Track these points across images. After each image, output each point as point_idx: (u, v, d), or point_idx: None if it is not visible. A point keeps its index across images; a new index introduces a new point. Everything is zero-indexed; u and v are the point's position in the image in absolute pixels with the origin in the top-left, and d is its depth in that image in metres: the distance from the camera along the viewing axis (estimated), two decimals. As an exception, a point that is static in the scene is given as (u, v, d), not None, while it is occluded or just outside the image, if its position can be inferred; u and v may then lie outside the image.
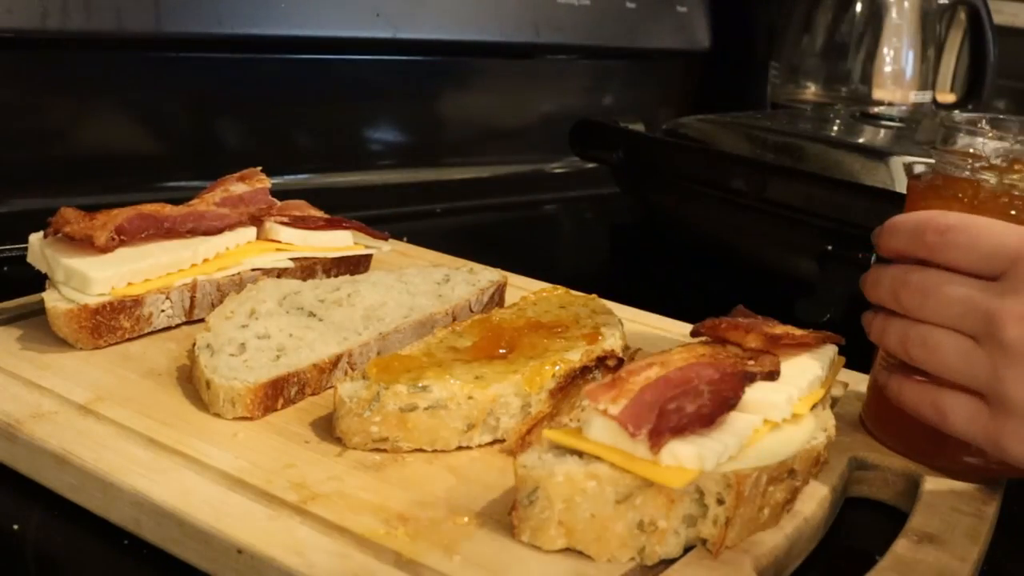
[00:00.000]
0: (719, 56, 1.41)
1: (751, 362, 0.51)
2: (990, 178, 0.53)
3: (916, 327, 0.50)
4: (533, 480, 0.44)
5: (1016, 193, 0.52)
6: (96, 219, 0.64)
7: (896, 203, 0.59)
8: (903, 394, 0.53)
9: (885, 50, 1.33)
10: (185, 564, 0.45)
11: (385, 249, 0.78)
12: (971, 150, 0.54)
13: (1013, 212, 0.52)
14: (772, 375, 0.50)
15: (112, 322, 0.61)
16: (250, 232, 0.72)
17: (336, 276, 0.75)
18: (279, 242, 0.73)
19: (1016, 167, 0.52)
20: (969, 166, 0.53)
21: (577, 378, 0.56)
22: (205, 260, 0.68)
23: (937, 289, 0.49)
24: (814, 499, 0.50)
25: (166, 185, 0.97)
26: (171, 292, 0.65)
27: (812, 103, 1.35)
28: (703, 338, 0.56)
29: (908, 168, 0.83)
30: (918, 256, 0.50)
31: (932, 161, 0.56)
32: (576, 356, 0.57)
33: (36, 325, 0.63)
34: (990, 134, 0.54)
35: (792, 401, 0.50)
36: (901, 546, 0.47)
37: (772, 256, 0.94)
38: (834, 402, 0.61)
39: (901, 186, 0.82)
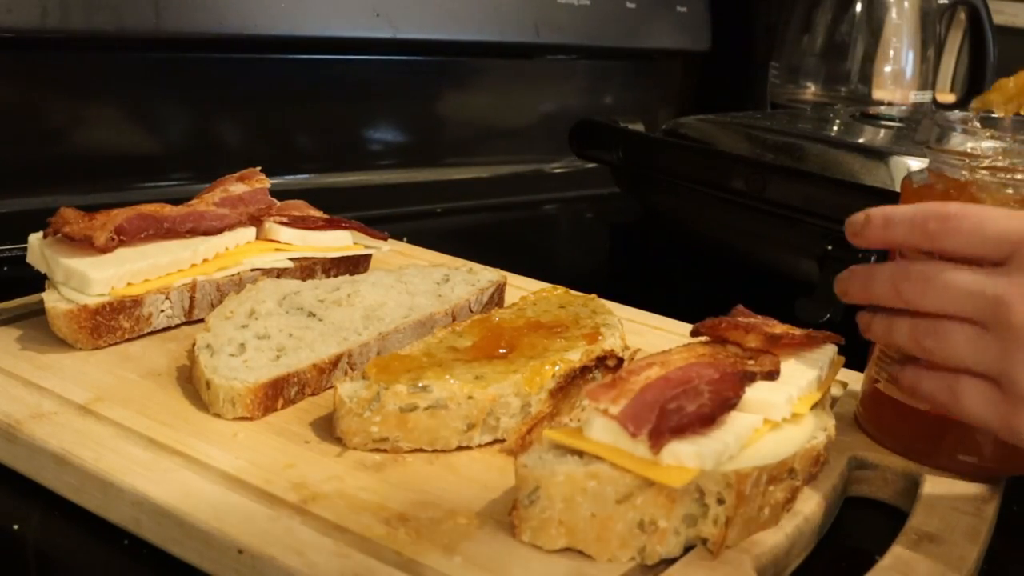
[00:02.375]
0: (719, 56, 1.41)
1: (751, 362, 0.51)
2: (986, 177, 0.52)
3: (924, 319, 0.50)
4: (534, 480, 0.44)
5: (1010, 192, 0.52)
6: (96, 219, 0.64)
7: (896, 203, 0.59)
8: (919, 384, 0.51)
9: (885, 50, 1.33)
10: (185, 564, 0.45)
11: (384, 249, 0.78)
12: (967, 149, 0.54)
13: None
14: (772, 375, 0.50)
15: (112, 322, 0.61)
16: (249, 232, 0.72)
17: (336, 276, 0.75)
18: (279, 242, 0.73)
19: (1011, 166, 0.52)
20: (965, 165, 0.53)
21: (577, 378, 0.56)
22: (205, 260, 0.68)
23: (940, 277, 0.48)
24: (814, 499, 0.50)
25: (166, 185, 0.97)
26: (171, 292, 0.65)
27: (812, 103, 1.35)
28: (703, 338, 0.56)
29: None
30: (919, 246, 0.50)
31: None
32: (576, 356, 0.57)
33: (36, 325, 0.63)
34: (988, 134, 0.54)
35: (792, 401, 0.50)
36: (901, 546, 0.47)
37: (772, 256, 0.94)
38: (834, 402, 0.61)
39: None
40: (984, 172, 0.53)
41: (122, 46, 0.91)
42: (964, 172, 0.53)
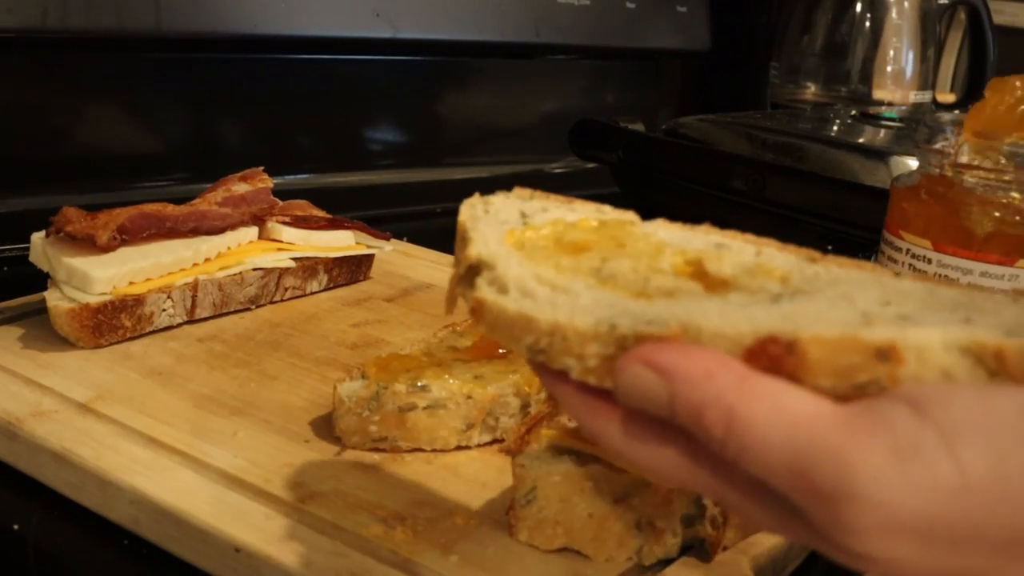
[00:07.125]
0: (719, 56, 1.41)
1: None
2: (969, 178, 0.53)
3: None
4: (531, 479, 0.44)
5: (1000, 194, 0.52)
6: (98, 218, 0.64)
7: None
8: None
9: (885, 50, 1.33)
10: (184, 563, 0.45)
11: (387, 249, 0.78)
12: (953, 149, 0.54)
13: (997, 214, 0.52)
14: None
15: (113, 321, 0.62)
16: (252, 232, 0.72)
17: (337, 276, 0.75)
18: (281, 242, 0.73)
19: (999, 167, 0.52)
20: (951, 166, 0.53)
21: (576, 378, 0.56)
22: (207, 260, 0.68)
23: None
24: (811, 499, 0.50)
25: (168, 185, 0.97)
26: (173, 291, 0.65)
27: (812, 103, 1.35)
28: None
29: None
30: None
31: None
32: (575, 356, 0.57)
33: (38, 324, 0.63)
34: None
35: (790, 401, 0.50)
36: (898, 546, 0.47)
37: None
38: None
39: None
40: (967, 172, 0.53)
41: (122, 46, 0.91)
42: (949, 173, 0.53)
